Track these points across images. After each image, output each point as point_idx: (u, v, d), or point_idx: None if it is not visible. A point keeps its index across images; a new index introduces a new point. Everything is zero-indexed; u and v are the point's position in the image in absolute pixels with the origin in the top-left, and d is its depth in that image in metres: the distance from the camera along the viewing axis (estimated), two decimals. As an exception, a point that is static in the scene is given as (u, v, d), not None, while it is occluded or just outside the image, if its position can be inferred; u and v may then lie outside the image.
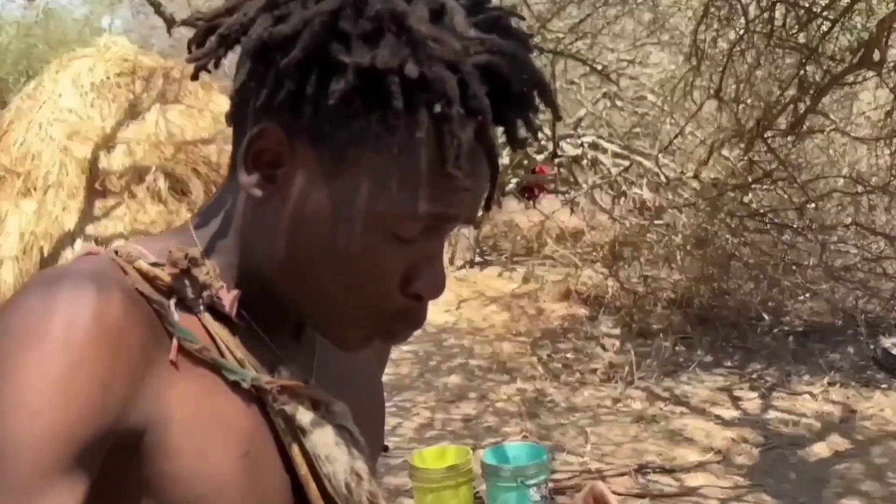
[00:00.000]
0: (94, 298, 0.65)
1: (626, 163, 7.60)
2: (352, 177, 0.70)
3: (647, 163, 7.47)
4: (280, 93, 0.69)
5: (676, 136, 7.41)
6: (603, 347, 6.68)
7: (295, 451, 0.75)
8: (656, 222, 7.73)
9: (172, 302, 0.73)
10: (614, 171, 7.83)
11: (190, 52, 0.78)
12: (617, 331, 7.01)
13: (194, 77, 0.78)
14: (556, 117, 0.75)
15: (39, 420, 0.61)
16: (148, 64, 7.23)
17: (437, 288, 0.75)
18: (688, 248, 7.53)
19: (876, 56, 4.98)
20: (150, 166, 6.66)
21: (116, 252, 0.73)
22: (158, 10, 5.38)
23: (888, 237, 6.44)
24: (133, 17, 12.27)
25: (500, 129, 0.74)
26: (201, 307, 0.74)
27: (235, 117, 0.74)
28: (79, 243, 6.33)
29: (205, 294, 0.74)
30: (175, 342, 0.71)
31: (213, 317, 0.75)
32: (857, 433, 4.85)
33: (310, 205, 0.71)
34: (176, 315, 0.72)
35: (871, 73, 5.61)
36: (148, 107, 6.95)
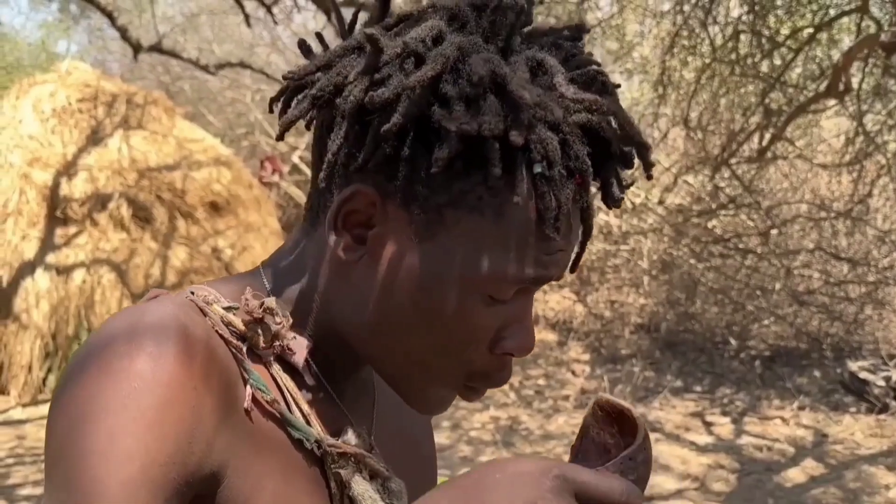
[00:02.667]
0: (180, 336, 0.63)
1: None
2: (448, 239, 0.68)
3: (613, 189, 7.52)
4: (376, 155, 0.67)
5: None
6: (573, 373, 6.68)
7: None
8: (622, 247, 7.79)
9: (245, 348, 0.71)
10: (580, 196, 7.86)
11: (271, 109, 0.76)
12: (586, 356, 7.02)
13: (280, 137, 0.75)
14: (648, 176, 0.73)
15: (132, 464, 0.58)
16: (110, 89, 7.12)
17: (528, 346, 0.73)
18: (653, 272, 7.60)
19: (841, 85, 5.09)
20: (112, 193, 6.54)
21: (192, 292, 0.71)
22: (125, 35, 5.29)
23: (850, 261, 6.57)
24: (90, 42, 12.09)
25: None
26: (271, 357, 0.72)
27: (327, 178, 0.71)
28: (39, 272, 6.17)
29: (276, 344, 0.72)
30: (249, 391, 0.68)
31: (282, 367, 0.73)
32: (829, 458, 4.89)
33: (403, 267, 0.70)
34: (249, 362, 0.70)
35: (832, 101, 5.74)
36: (110, 133, 6.84)
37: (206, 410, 0.63)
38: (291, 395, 0.72)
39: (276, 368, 0.72)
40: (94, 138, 6.73)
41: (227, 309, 0.71)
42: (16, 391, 6.02)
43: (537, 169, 0.66)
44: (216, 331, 0.68)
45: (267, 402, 0.69)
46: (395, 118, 0.65)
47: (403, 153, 0.66)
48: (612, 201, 0.72)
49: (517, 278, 0.69)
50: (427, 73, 0.65)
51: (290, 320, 0.73)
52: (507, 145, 0.65)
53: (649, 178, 0.73)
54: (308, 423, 0.72)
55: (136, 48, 5.43)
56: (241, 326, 0.71)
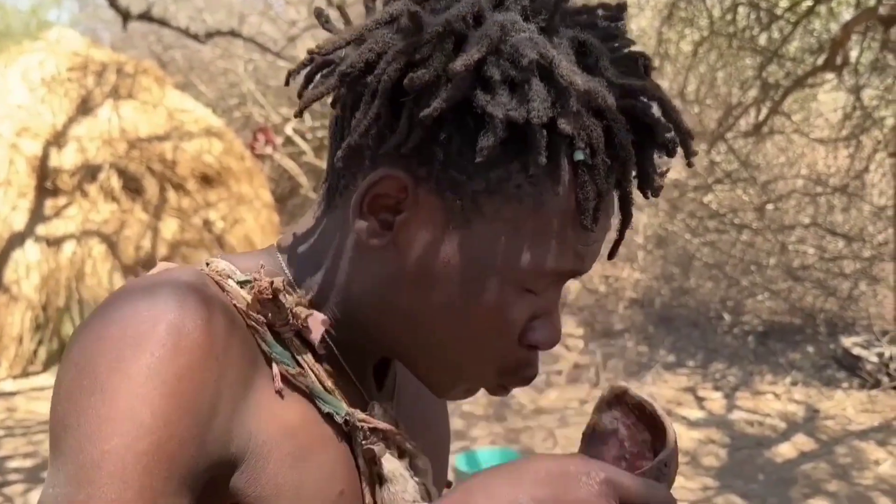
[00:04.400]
0: (201, 306, 0.60)
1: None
2: (484, 228, 0.65)
3: (608, 162, 7.48)
4: (411, 139, 0.64)
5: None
6: (566, 347, 6.67)
7: (368, 498, 0.70)
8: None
9: (265, 323, 0.68)
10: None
11: (287, 83, 0.73)
12: (580, 331, 7.01)
13: (299, 115, 0.71)
14: (689, 164, 0.70)
15: (150, 436, 0.55)
16: (100, 58, 7.03)
17: (556, 339, 0.71)
18: (648, 247, 7.58)
19: (839, 59, 5.04)
20: (102, 164, 6.47)
21: (207, 264, 0.69)
22: (114, 2, 5.21)
23: (846, 237, 6.55)
24: (80, 10, 11.94)
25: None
26: (289, 334, 0.69)
27: (347, 159, 0.67)
28: (29, 244, 6.13)
29: (291, 322, 0.69)
30: (276, 366, 0.66)
31: (301, 344, 0.70)
32: (820, 433, 4.90)
33: (433, 256, 0.66)
34: (272, 338, 0.68)
35: (830, 75, 5.69)
36: (100, 102, 6.75)
37: (226, 383, 0.60)
38: (314, 371, 0.69)
39: (296, 346, 0.69)
40: (84, 108, 6.66)
41: (242, 284, 0.68)
42: (6, 363, 6.00)
43: (579, 157, 0.63)
44: (234, 304, 0.65)
45: (292, 375, 0.67)
46: (437, 103, 0.61)
47: (440, 137, 0.63)
48: (652, 190, 0.69)
49: (555, 270, 0.66)
50: (473, 56, 0.61)
51: (307, 296, 0.70)
52: (552, 133, 0.62)
53: (690, 165, 0.70)
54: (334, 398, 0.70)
55: (126, 16, 5.35)
56: (255, 304, 0.67)
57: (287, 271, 0.72)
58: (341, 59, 0.67)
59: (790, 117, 6.34)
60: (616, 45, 0.69)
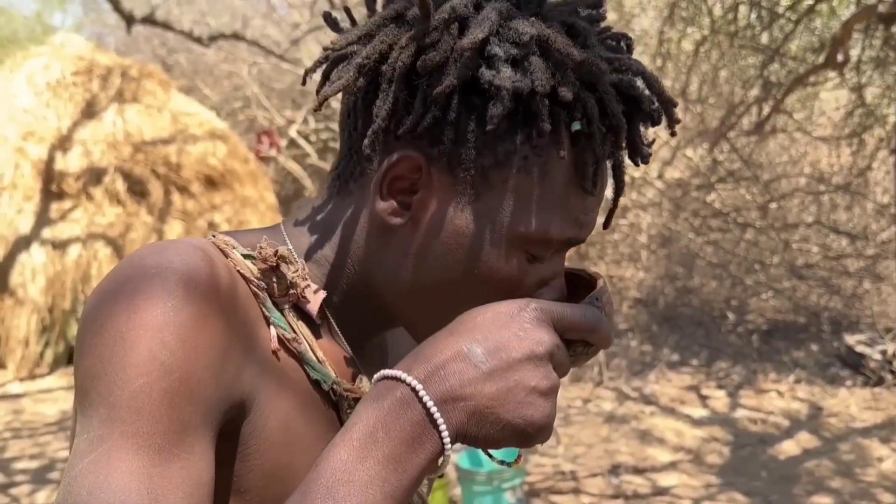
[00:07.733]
0: (207, 263, 0.65)
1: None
2: (494, 200, 0.71)
3: (611, 162, 7.48)
4: (425, 119, 0.69)
5: (641, 136, 7.42)
6: (570, 347, 6.68)
7: None
8: (621, 222, 7.76)
9: (266, 289, 0.74)
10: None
11: (304, 82, 0.80)
12: (584, 330, 7.01)
13: (319, 108, 0.77)
14: (672, 133, 0.76)
15: (171, 375, 0.60)
16: (104, 62, 7.07)
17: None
18: (652, 247, 7.58)
19: (839, 57, 5.04)
20: (107, 167, 6.51)
21: (213, 236, 0.74)
22: (117, 6, 5.24)
23: (849, 235, 6.55)
24: (85, 14, 11.99)
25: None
26: (287, 304, 0.74)
27: (372, 145, 0.71)
28: (35, 247, 6.16)
29: (291, 292, 0.74)
30: (274, 331, 0.71)
31: (297, 315, 0.75)
32: (824, 430, 4.90)
33: (448, 230, 0.72)
34: (271, 303, 0.73)
35: (832, 73, 5.69)
36: (105, 106, 6.80)
37: (234, 333, 0.65)
38: (307, 340, 0.74)
39: (291, 316, 0.74)
40: (89, 112, 6.70)
41: (245, 256, 0.73)
42: (13, 366, 6.04)
43: (576, 126, 0.69)
44: (238, 271, 0.70)
45: (287, 339, 0.72)
46: (448, 80, 0.67)
47: (449, 116, 0.68)
48: (641, 158, 0.75)
49: (559, 237, 0.71)
50: (478, 35, 0.67)
51: (306, 269, 0.75)
52: (553, 102, 0.68)
53: (673, 134, 0.75)
54: (323, 366, 0.75)
55: (129, 20, 5.38)
56: (257, 273, 0.73)
57: (290, 246, 0.77)
58: (353, 54, 0.72)
59: (792, 116, 6.34)
60: (599, 28, 0.75)
